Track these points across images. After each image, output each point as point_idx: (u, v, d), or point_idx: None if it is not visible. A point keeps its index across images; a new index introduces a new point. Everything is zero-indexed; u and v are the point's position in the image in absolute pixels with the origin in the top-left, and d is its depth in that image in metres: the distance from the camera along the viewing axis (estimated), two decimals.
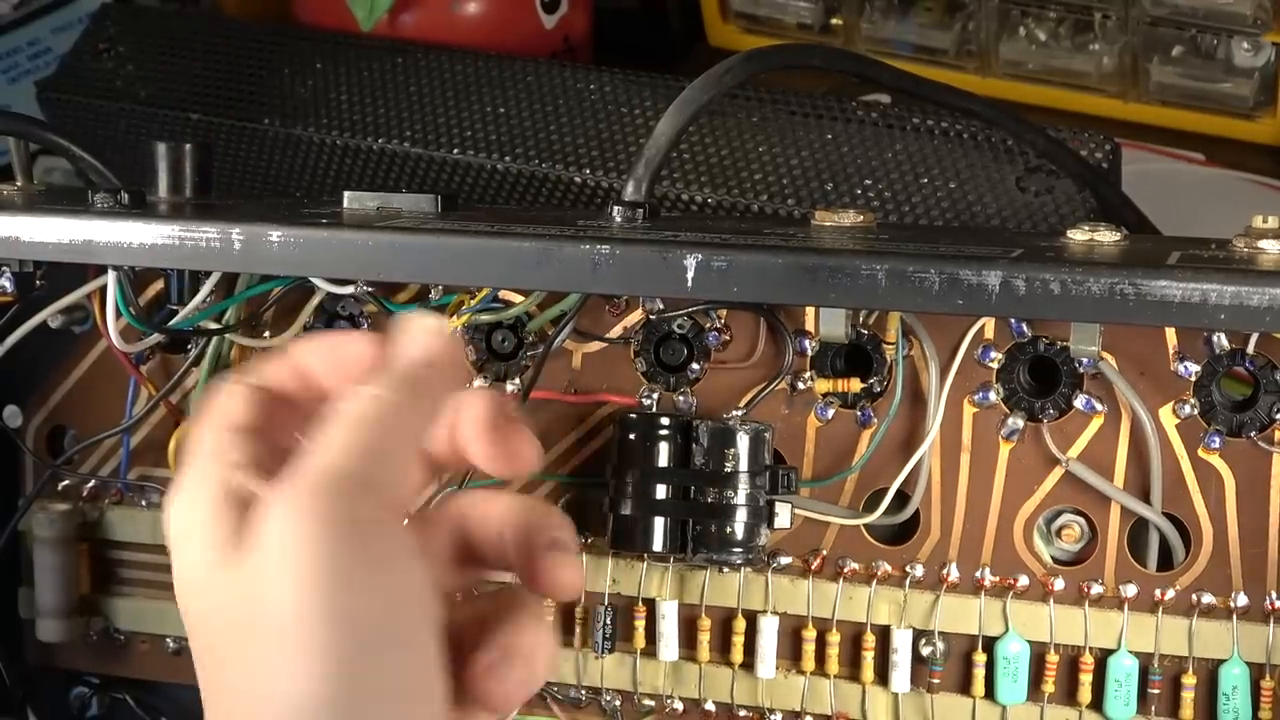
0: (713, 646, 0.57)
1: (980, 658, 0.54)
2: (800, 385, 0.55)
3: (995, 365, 0.53)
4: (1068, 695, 0.54)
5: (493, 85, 0.71)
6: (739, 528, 0.53)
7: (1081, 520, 0.53)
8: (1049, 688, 0.54)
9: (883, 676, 0.55)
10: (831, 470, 0.55)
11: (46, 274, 0.59)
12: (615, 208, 0.55)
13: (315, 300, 0.57)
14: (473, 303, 0.55)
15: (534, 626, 0.38)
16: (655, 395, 0.56)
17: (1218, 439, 0.52)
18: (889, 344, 0.53)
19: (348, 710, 0.32)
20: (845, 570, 0.55)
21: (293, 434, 0.37)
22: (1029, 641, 0.54)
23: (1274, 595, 0.52)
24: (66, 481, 0.62)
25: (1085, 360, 0.52)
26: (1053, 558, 0.54)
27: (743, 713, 0.57)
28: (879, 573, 0.55)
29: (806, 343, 0.54)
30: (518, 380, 0.57)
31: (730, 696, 0.57)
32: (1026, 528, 0.54)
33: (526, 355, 0.57)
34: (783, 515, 0.53)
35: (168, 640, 0.62)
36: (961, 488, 0.54)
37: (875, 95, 0.72)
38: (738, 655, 0.56)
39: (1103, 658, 0.53)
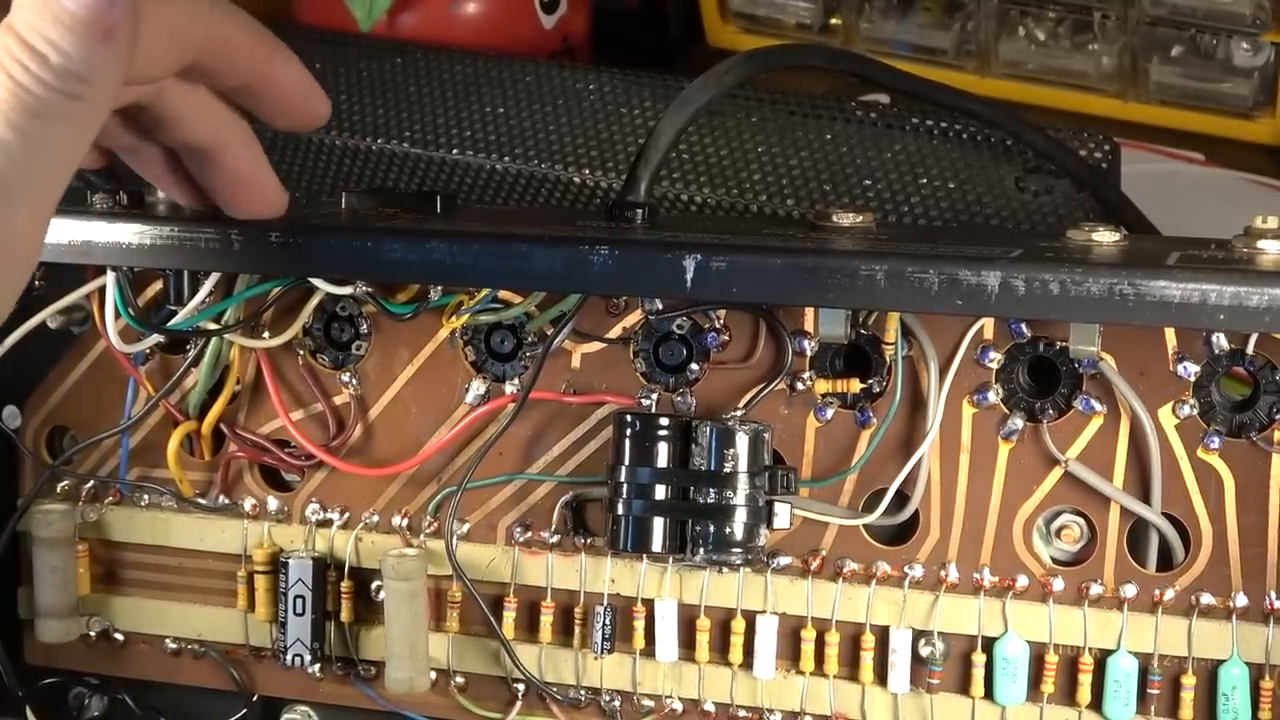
0: (712, 647, 0.57)
1: (979, 658, 0.54)
2: (799, 385, 0.55)
3: (995, 366, 0.53)
4: (1067, 695, 0.54)
5: (492, 85, 0.71)
6: (738, 528, 0.53)
7: (1081, 520, 0.53)
8: (1048, 688, 0.54)
9: (882, 677, 0.55)
10: (831, 470, 0.55)
11: (45, 274, 0.59)
12: (615, 208, 0.55)
13: (315, 300, 0.57)
14: (472, 303, 0.55)
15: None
16: (654, 396, 0.56)
17: (1217, 439, 0.52)
18: (888, 344, 0.53)
19: None
20: (844, 570, 0.55)
21: None
22: (1028, 642, 0.54)
23: (1274, 595, 0.52)
24: (66, 482, 0.62)
25: (1085, 361, 0.52)
26: (1052, 558, 0.54)
27: (742, 713, 0.57)
28: (878, 573, 0.55)
29: (806, 343, 0.54)
30: (516, 381, 0.57)
31: (729, 697, 0.57)
32: (1026, 528, 0.54)
33: (526, 355, 0.57)
34: (782, 516, 0.53)
35: (168, 640, 0.62)
36: (961, 488, 0.54)
37: (875, 95, 0.72)
38: (737, 655, 0.56)
39: (1102, 658, 0.53)
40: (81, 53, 0.37)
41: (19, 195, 0.37)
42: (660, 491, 0.53)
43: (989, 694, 0.54)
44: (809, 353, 0.54)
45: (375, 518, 0.59)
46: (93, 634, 0.63)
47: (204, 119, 0.45)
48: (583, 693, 0.58)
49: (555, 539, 0.58)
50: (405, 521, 0.59)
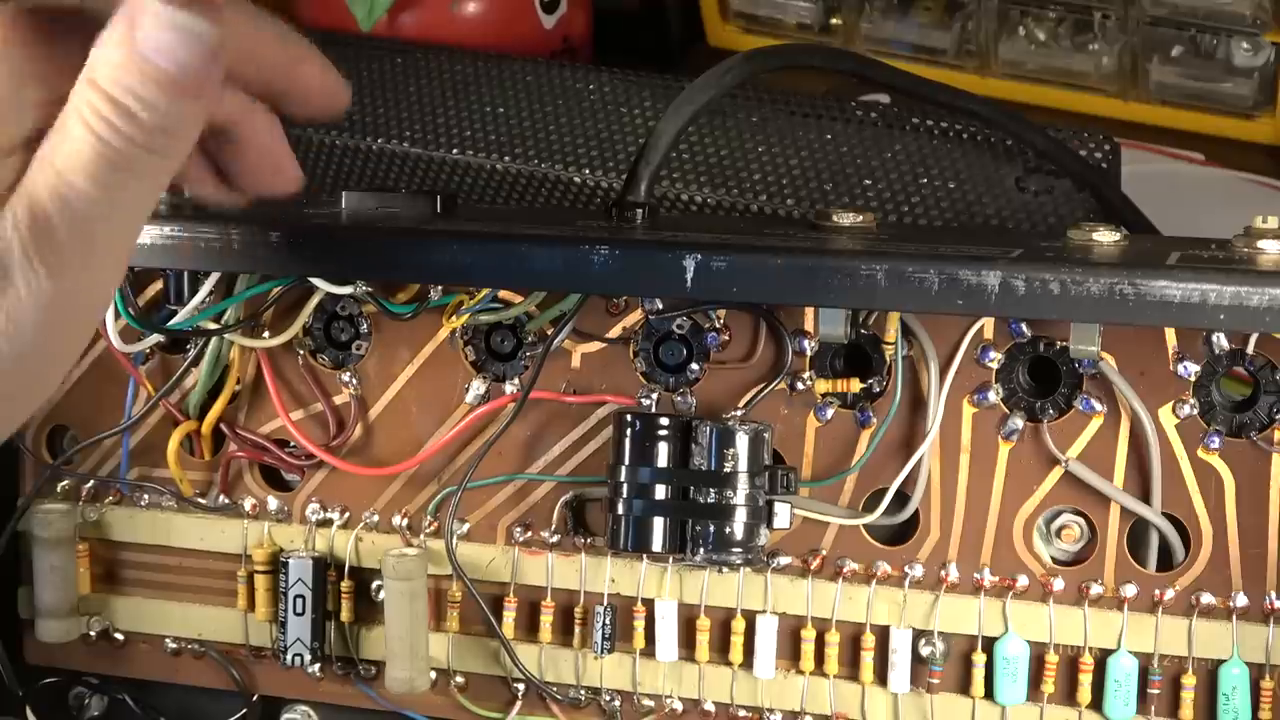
0: (712, 646, 0.57)
1: (980, 658, 0.54)
2: (799, 385, 0.55)
3: (995, 365, 0.53)
4: (1067, 695, 0.54)
5: (492, 85, 0.71)
6: (738, 528, 0.53)
7: (1081, 520, 0.53)
8: (1048, 688, 0.54)
9: (882, 677, 0.55)
10: (831, 470, 0.55)
11: None
12: (615, 208, 0.55)
13: (315, 300, 0.57)
14: (472, 303, 0.55)
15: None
16: (654, 395, 0.56)
17: (1217, 439, 0.52)
18: (888, 344, 0.53)
19: None
20: (844, 570, 0.55)
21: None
22: (1028, 642, 0.54)
23: (1274, 595, 0.52)
24: (66, 481, 0.62)
25: (1085, 360, 0.52)
26: (1052, 558, 0.54)
27: (742, 713, 0.57)
28: (878, 573, 0.55)
29: (806, 343, 0.54)
30: (517, 380, 0.57)
31: (729, 696, 0.57)
32: (1026, 528, 0.54)
33: (526, 355, 0.57)
34: (782, 515, 0.53)
35: (168, 640, 0.62)
36: (961, 488, 0.54)
37: (875, 95, 0.72)
38: (737, 655, 0.56)
39: (1102, 658, 0.53)
40: (172, 109, 0.36)
41: (100, 246, 0.37)
42: (660, 491, 0.53)
43: (989, 694, 0.54)
44: (809, 353, 0.54)
45: (375, 517, 0.59)
46: (93, 634, 0.63)
47: (221, 105, 0.45)
48: (583, 693, 0.58)
49: (555, 539, 0.58)
50: (405, 521, 0.59)
